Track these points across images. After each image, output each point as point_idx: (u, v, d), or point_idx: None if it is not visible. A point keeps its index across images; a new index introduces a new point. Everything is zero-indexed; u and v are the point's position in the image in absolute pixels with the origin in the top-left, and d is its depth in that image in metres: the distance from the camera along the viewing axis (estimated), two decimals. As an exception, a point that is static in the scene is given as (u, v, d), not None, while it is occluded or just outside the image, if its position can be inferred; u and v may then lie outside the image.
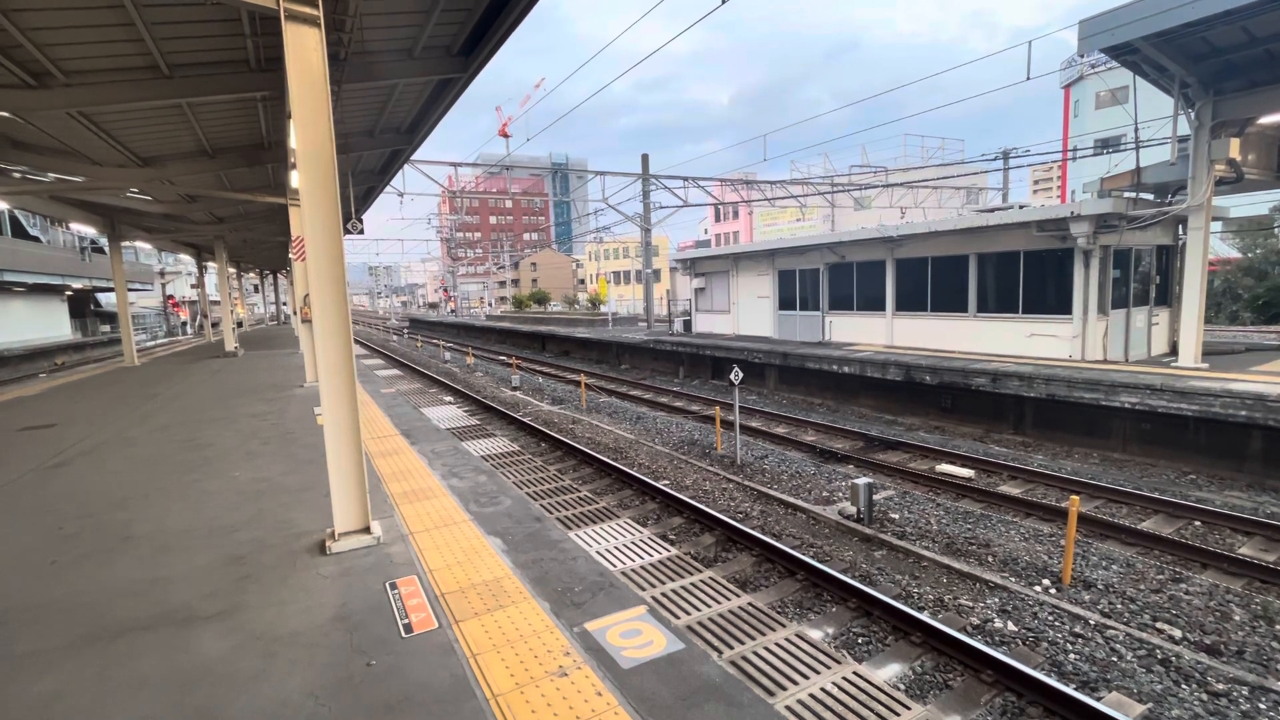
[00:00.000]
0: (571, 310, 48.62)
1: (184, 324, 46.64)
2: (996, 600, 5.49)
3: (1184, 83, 10.28)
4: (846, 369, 14.15)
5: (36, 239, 30.77)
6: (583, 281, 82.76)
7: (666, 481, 8.89)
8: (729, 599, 4.82)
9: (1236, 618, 5.22)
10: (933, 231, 14.28)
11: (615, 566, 5.39)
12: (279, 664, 2.99)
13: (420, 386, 18.63)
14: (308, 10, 3.92)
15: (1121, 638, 4.87)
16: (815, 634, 5.02)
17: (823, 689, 3.75)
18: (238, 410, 9.61)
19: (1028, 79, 15.44)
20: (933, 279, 14.72)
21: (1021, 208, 13.75)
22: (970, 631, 5.05)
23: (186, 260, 38.16)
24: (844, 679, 3.81)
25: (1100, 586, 5.76)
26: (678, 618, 4.59)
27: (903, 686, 4.42)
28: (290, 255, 12.84)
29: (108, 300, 38.81)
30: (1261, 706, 4.10)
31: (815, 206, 37.00)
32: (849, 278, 16.87)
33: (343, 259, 4.14)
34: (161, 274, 42.98)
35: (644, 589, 4.98)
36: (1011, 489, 8.45)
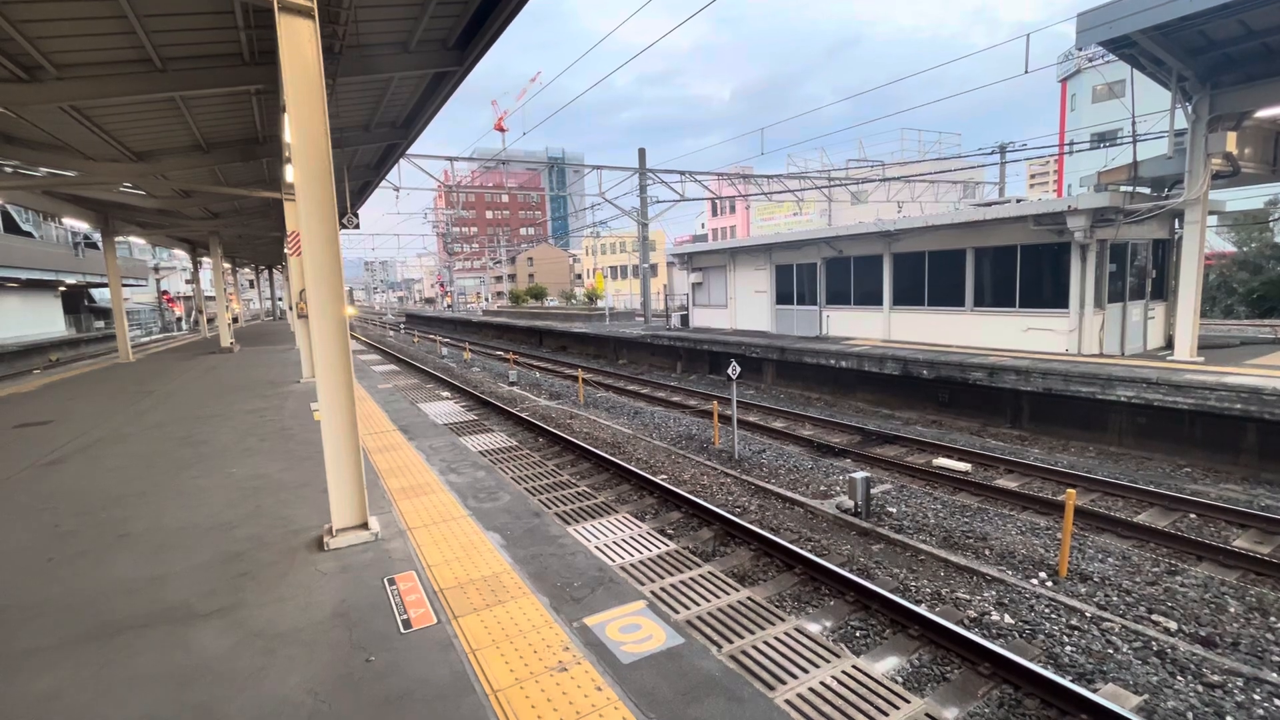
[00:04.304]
0: (568, 305, 48.59)
1: (179, 320, 46.42)
2: (993, 593, 5.51)
3: (1181, 76, 10.28)
4: (844, 363, 14.16)
5: (29, 234, 30.54)
6: (579, 276, 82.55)
7: (664, 476, 8.89)
8: (728, 593, 4.83)
9: (1231, 610, 5.26)
10: (930, 226, 14.29)
11: (614, 561, 5.40)
12: (278, 661, 2.98)
13: (417, 382, 18.59)
14: (302, 2, 3.88)
15: (1117, 630, 4.90)
16: (814, 628, 5.04)
17: (822, 682, 3.76)
18: (234, 406, 9.57)
19: (1025, 73, 15.45)
20: (930, 273, 14.74)
21: (1018, 202, 13.76)
22: (967, 624, 5.06)
23: (181, 256, 37.92)
24: (843, 672, 3.82)
25: (1096, 579, 5.79)
26: (677, 612, 4.60)
27: (901, 679, 4.44)
28: (286, 250, 12.77)
29: (102, 296, 38.56)
30: (1256, 698, 4.13)
31: (812, 201, 36.96)
32: (846, 272, 16.88)
33: (339, 254, 4.11)
34: (156, 269, 42.73)
35: (643, 584, 4.98)
36: (1008, 483, 8.49)
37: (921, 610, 4.97)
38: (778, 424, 12.31)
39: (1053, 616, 5.12)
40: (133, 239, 24.09)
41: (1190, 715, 4.01)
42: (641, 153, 26.61)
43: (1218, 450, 9.04)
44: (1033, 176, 74.68)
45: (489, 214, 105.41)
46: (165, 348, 22.79)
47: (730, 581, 5.01)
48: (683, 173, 26.82)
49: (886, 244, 15.47)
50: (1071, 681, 4.14)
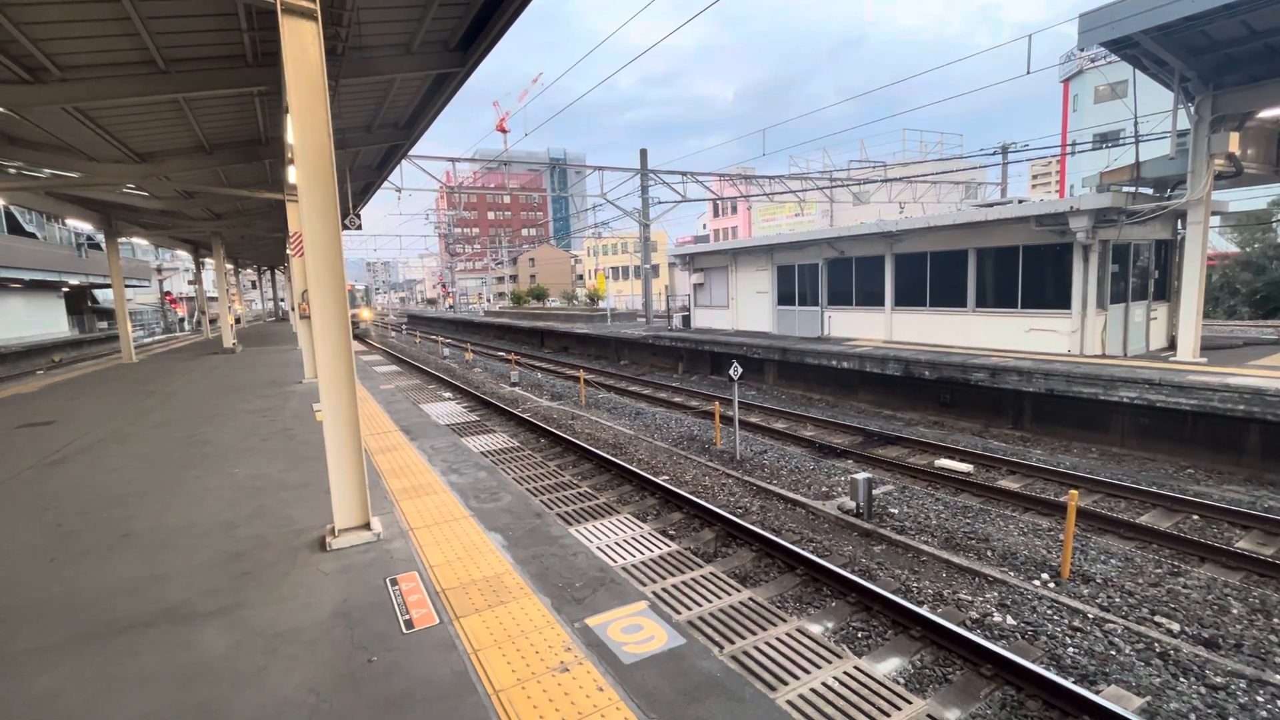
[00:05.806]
0: (570, 306, 48.59)
1: (181, 320, 46.54)
2: (996, 594, 5.50)
3: (1184, 76, 10.27)
4: (845, 364, 14.15)
5: (33, 235, 30.66)
6: (581, 277, 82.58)
7: (666, 477, 8.88)
8: (729, 594, 4.82)
9: (1234, 611, 5.25)
10: (931, 226, 14.27)
11: (616, 562, 5.40)
12: (280, 660, 2.99)
13: (419, 383, 18.60)
14: (305, 4, 3.88)
15: (1120, 631, 4.88)
16: (815, 629, 5.03)
17: (823, 683, 3.75)
18: (236, 407, 9.59)
19: (1028, 73, 15.44)
20: (931, 274, 14.72)
21: (1020, 202, 13.75)
22: (969, 625, 5.06)
23: (184, 257, 38.06)
24: (844, 673, 3.82)
25: (1099, 580, 5.78)
26: (679, 613, 4.60)
27: (902, 680, 4.43)
28: (288, 251, 12.80)
29: (105, 297, 38.69)
30: (1259, 699, 4.12)
31: (814, 201, 36.95)
32: (848, 273, 16.87)
33: (341, 255, 4.12)
34: (159, 270, 42.85)
35: (645, 584, 4.98)
36: (1010, 484, 8.47)
37: (923, 611, 4.96)
38: (779, 425, 12.30)
39: (1055, 618, 5.11)
40: (136, 240, 24.14)
41: (1193, 717, 4.00)
42: (643, 153, 26.63)
43: (1221, 451, 9.01)
44: (1035, 177, 74.50)
45: (491, 215, 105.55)
46: (168, 348, 22.84)
47: (732, 582, 5.00)
48: (684, 173, 26.82)
49: (888, 244, 15.46)
50: (1074, 683, 4.13)
